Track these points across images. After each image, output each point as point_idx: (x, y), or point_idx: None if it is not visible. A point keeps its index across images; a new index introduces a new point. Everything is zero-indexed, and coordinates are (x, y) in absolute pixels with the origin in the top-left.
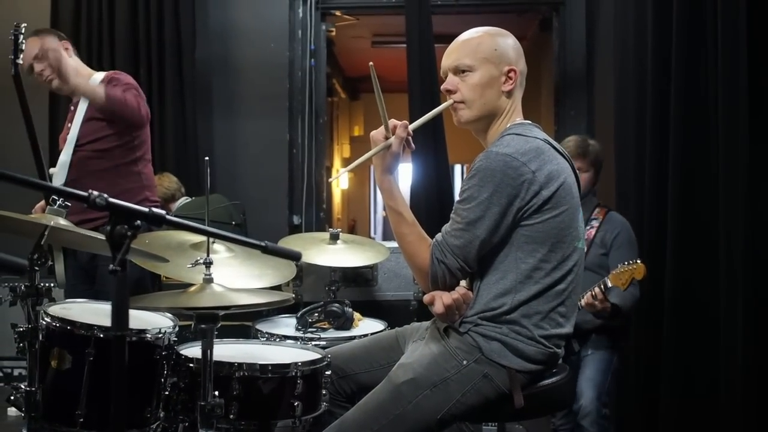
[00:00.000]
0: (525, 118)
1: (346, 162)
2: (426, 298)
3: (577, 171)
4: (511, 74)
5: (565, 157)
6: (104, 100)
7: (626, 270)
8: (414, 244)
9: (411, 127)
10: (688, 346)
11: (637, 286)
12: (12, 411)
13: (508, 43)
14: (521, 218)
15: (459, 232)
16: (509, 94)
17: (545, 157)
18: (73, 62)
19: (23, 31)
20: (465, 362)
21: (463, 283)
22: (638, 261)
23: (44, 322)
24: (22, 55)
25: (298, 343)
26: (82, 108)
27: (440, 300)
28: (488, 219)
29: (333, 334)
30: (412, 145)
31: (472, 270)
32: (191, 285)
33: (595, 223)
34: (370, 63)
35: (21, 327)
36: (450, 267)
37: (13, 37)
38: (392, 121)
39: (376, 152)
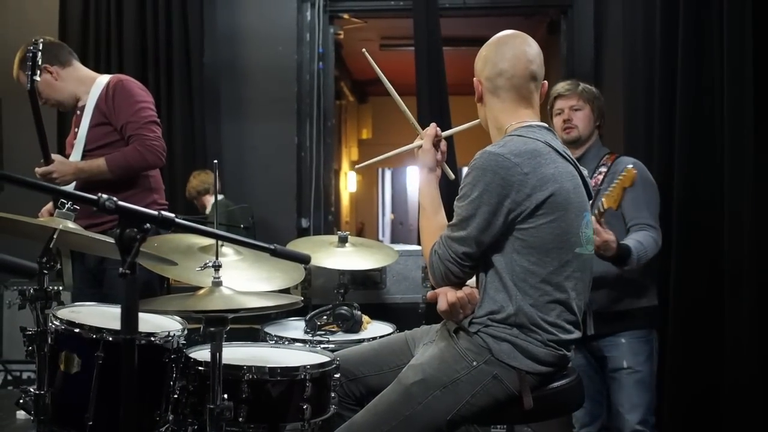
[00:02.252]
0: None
1: (354, 165)
2: (429, 294)
3: (572, 110)
4: (477, 85)
5: (569, 161)
6: (110, 175)
7: (615, 185)
8: (426, 237)
9: (443, 134)
10: (692, 334)
11: (658, 231)
12: (21, 414)
13: (480, 55)
14: (515, 221)
15: (454, 228)
16: (480, 102)
17: (541, 160)
18: (66, 74)
19: (41, 47)
20: (475, 363)
21: (471, 282)
22: (629, 167)
23: (53, 326)
24: (39, 72)
25: (307, 346)
26: (88, 113)
27: (444, 297)
28: (479, 217)
29: (342, 336)
30: (444, 147)
31: (465, 264)
32: (200, 288)
33: (603, 169)
34: (363, 50)
35: (30, 330)
36: (442, 257)
37: (31, 54)
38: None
39: (405, 150)
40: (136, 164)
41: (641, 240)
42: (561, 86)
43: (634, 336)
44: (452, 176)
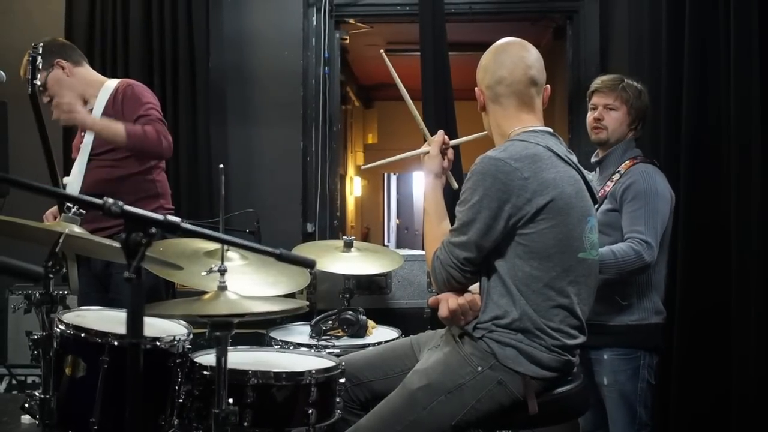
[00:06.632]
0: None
1: (359, 170)
2: (431, 300)
3: (606, 109)
4: (479, 94)
5: (571, 165)
6: (125, 141)
7: None
8: (430, 243)
9: (451, 143)
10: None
11: (649, 246)
12: (26, 418)
13: (480, 64)
14: (516, 226)
15: (455, 233)
16: (484, 111)
17: (542, 165)
18: (78, 72)
19: (41, 51)
20: (480, 368)
21: (473, 288)
22: None
23: (58, 330)
24: (39, 75)
25: (312, 350)
26: (96, 117)
27: (445, 304)
28: (479, 222)
29: (347, 341)
30: (450, 154)
31: (466, 269)
32: (206, 292)
33: (616, 177)
34: (381, 51)
35: (35, 335)
36: (443, 262)
37: (30, 59)
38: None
39: (412, 155)
40: (150, 143)
41: (614, 249)
42: (600, 80)
43: (615, 353)
44: (456, 186)
